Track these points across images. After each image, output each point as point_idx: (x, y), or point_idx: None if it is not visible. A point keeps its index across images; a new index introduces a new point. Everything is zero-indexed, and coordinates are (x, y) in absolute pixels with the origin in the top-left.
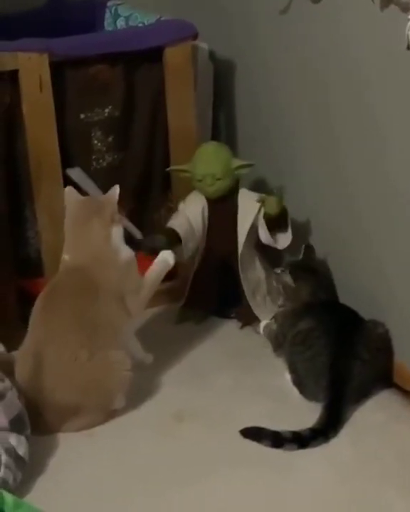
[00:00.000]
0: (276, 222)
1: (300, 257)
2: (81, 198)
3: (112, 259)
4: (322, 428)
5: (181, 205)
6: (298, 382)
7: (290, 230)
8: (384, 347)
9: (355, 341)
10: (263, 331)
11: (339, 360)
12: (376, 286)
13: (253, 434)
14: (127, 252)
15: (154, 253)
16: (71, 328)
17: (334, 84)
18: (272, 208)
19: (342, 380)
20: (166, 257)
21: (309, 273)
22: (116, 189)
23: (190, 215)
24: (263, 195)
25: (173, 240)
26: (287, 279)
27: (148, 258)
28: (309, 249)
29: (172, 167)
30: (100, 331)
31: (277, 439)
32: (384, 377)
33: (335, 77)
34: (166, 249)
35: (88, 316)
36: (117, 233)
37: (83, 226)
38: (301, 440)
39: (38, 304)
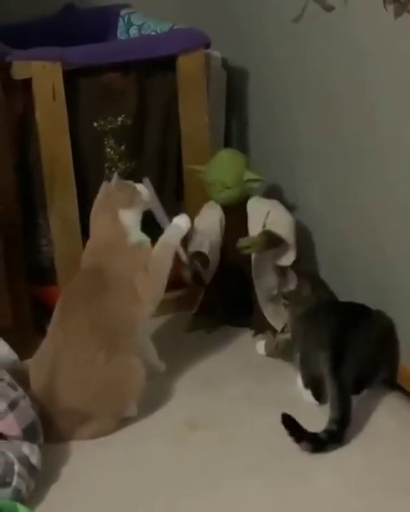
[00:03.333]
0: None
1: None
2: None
3: (120, 241)
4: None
5: (197, 221)
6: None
7: (292, 251)
8: (388, 336)
9: (362, 323)
10: (266, 349)
11: (344, 333)
12: (385, 294)
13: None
14: (137, 235)
15: (196, 277)
16: (88, 331)
17: (347, 92)
18: (255, 249)
19: (344, 348)
20: (178, 223)
21: (302, 273)
22: (115, 177)
23: (208, 229)
24: (264, 209)
25: (205, 261)
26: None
27: None
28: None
29: (188, 166)
30: (117, 333)
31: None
32: (386, 370)
33: (348, 85)
34: (202, 272)
35: (104, 317)
36: (125, 215)
37: (95, 214)
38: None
39: (57, 307)
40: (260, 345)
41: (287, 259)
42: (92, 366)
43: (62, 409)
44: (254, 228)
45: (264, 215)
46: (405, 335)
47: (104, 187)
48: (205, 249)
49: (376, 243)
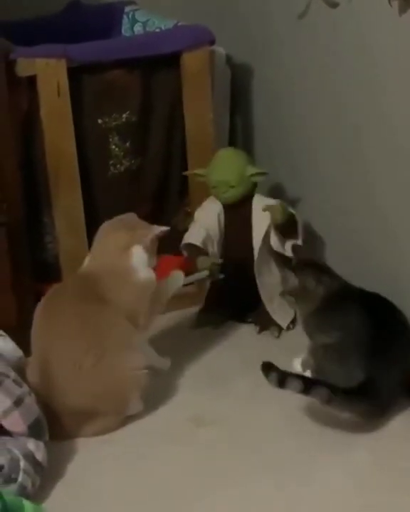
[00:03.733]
0: (288, 230)
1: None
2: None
3: (127, 277)
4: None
5: (197, 213)
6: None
7: (300, 238)
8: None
9: (387, 329)
10: (302, 367)
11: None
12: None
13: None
14: (146, 274)
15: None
16: (74, 334)
17: (351, 89)
18: (276, 216)
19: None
20: (175, 276)
21: (302, 265)
22: (162, 228)
23: (206, 222)
24: (272, 202)
25: (202, 253)
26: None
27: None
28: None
29: (189, 171)
30: (106, 335)
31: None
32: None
33: (353, 81)
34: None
35: (93, 321)
36: (138, 254)
37: (108, 237)
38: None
39: (39, 309)
40: (297, 363)
41: (289, 250)
42: (81, 372)
43: (62, 408)
44: (259, 224)
45: (268, 214)
46: None
47: (131, 216)
48: (197, 242)
49: (385, 241)
